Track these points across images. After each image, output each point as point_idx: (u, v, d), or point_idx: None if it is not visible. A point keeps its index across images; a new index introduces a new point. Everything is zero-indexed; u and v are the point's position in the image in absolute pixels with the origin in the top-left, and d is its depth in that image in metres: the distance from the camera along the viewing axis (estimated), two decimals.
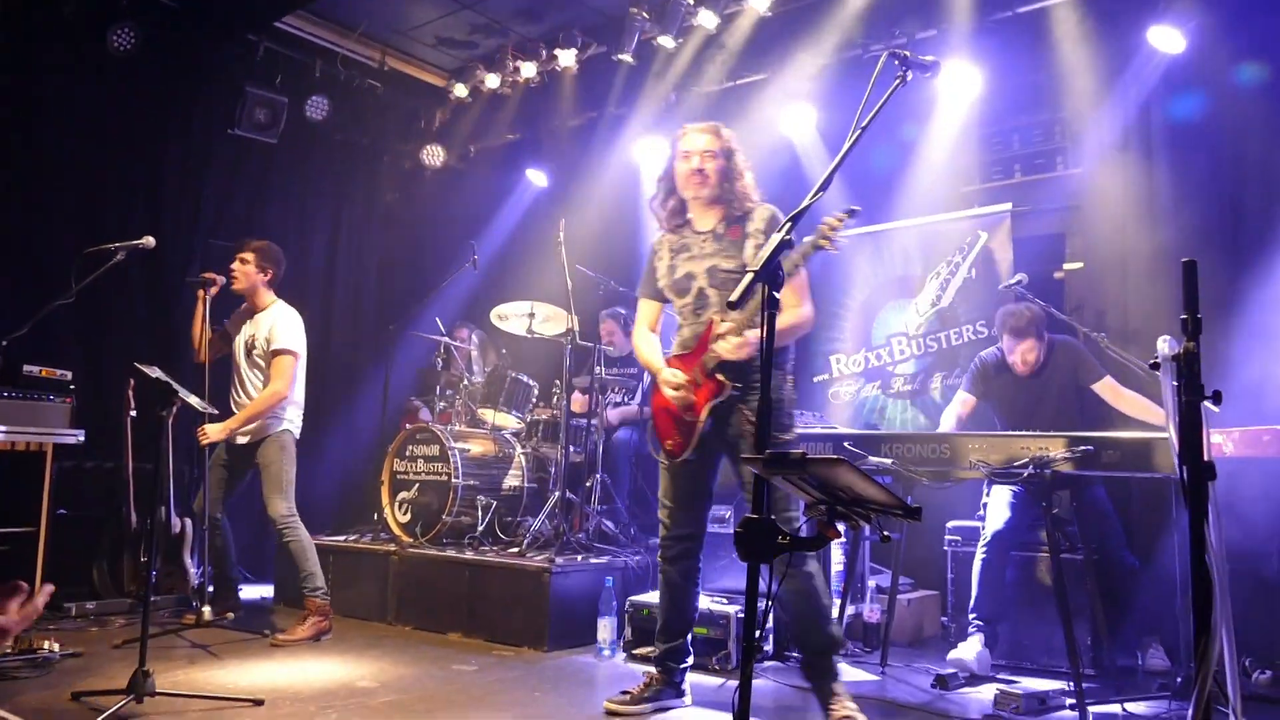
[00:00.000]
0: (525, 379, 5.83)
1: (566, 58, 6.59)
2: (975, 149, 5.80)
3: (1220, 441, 3.45)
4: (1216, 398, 1.83)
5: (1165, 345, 1.84)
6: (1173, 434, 1.79)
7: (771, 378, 2.03)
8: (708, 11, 5.85)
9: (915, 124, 5.80)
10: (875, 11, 5.46)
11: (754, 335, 3.17)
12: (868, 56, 5.60)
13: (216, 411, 4.67)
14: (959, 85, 5.48)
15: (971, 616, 4.22)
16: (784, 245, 2.07)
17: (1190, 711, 1.69)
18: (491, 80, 7.04)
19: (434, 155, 7.70)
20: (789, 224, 2.14)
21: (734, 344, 3.21)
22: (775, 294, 2.04)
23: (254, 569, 6.01)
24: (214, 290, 4.82)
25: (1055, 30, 5.13)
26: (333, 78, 7.04)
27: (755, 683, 3.84)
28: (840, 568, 4.64)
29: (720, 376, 3.28)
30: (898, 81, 2.52)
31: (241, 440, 4.77)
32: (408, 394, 6.81)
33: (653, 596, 4.51)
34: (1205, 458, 1.82)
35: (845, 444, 4.12)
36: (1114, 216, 5.18)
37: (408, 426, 5.81)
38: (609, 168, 7.02)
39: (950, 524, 4.70)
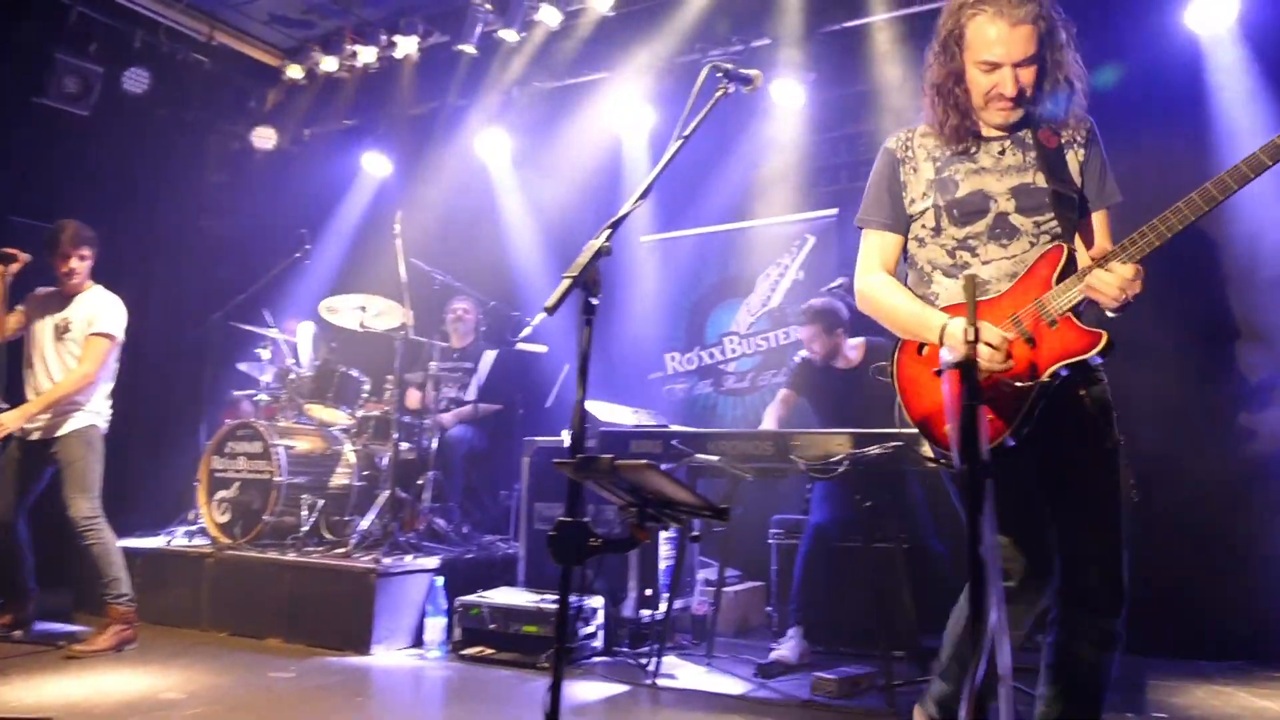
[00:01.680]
0: (356, 374, 5.66)
1: (407, 45, 6.44)
2: (805, 155, 6.03)
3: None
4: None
5: (947, 353, 1.97)
6: (953, 435, 1.92)
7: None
8: (550, 8, 5.83)
9: (750, 128, 5.98)
10: (713, 18, 5.60)
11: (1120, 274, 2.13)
12: (705, 61, 5.71)
13: (6, 405, 4.32)
14: (789, 93, 5.69)
15: (792, 607, 4.39)
16: (601, 253, 2.09)
17: (964, 700, 1.81)
18: (328, 63, 6.80)
19: (265, 137, 7.35)
20: (609, 231, 2.16)
21: (1120, 280, 2.12)
22: (592, 300, 2.06)
23: (55, 578, 5.59)
24: (15, 267, 4.47)
25: (878, 46, 5.40)
26: (155, 49, 6.62)
27: (583, 681, 3.93)
28: (668, 562, 4.74)
29: (1078, 324, 2.21)
30: (720, 93, 2.58)
31: (36, 436, 4.42)
32: (229, 388, 6.49)
33: (484, 596, 4.48)
34: (982, 458, 1.95)
35: (673, 441, 4.21)
36: None
37: (228, 422, 5.54)
38: (450, 159, 6.91)
39: (775, 517, 4.87)
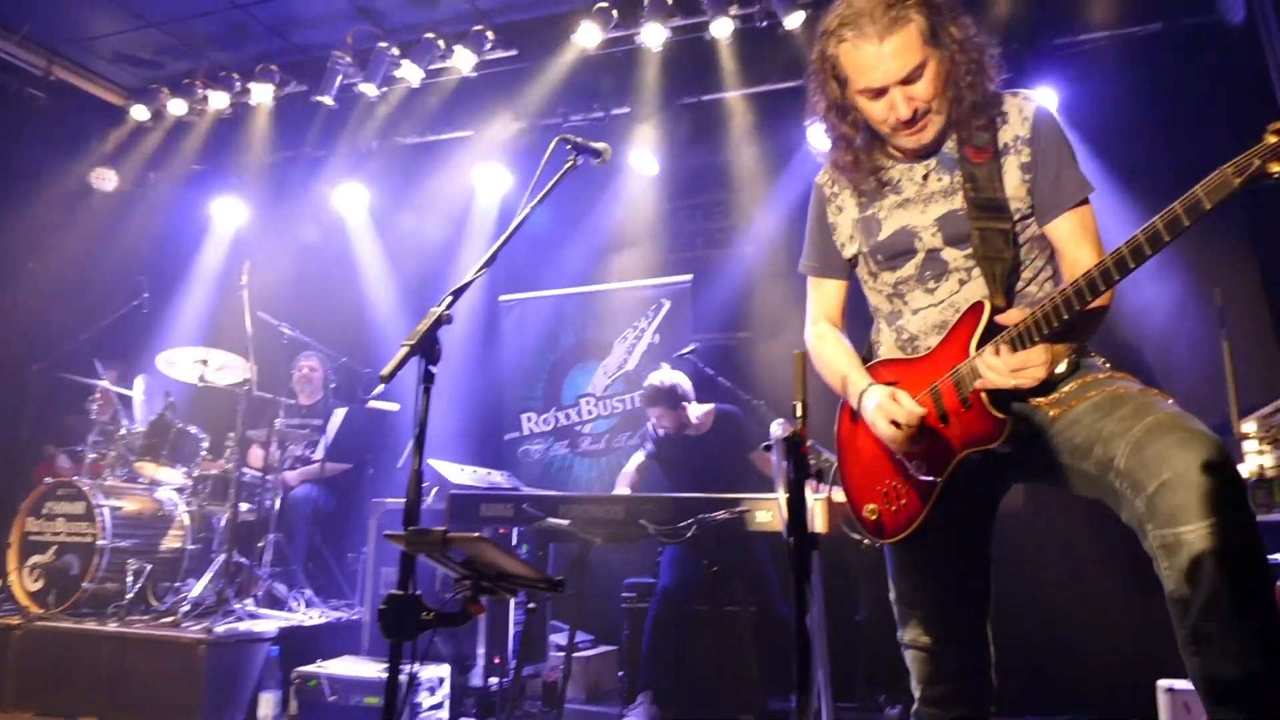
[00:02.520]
0: (194, 430, 5.38)
1: (262, 92, 6.28)
2: (663, 221, 6.20)
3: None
4: (820, 475, 2.05)
5: (778, 427, 2.04)
6: (782, 508, 1.98)
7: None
8: (412, 65, 5.83)
9: (609, 192, 6.11)
10: (574, 85, 5.71)
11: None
12: (566, 125, 5.84)
13: None
14: (646, 161, 5.85)
15: (641, 673, 4.38)
16: (441, 321, 2.07)
17: None
18: (177, 105, 6.55)
19: (105, 179, 6.99)
20: (450, 299, 2.15)
21: (1038, 360, 1.85)
22: (431, 369, 2.04)
23: None
24: None
25: (732, 120, 5.63)
26: None
27: None
28: (519, 628, 4.66)
29: (993, 409, 1.93)
30: (569, 165, 2.63)
31: None
32: (51, 442, 6.07)
33: (323, 666, 4.29)
34: (809, 530, 2.02)
35: (524, 505, 4.18)
36: (780, 293, 5.71)
37: (47, 480, 5.15)
38: (305, 210, 6.76)
39: (628, 580, 4.88)
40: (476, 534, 1.81)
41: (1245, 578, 1.65)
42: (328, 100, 6.02)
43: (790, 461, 2.01)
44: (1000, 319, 1.92)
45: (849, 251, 2.26)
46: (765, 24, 5.28)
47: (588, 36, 5.39)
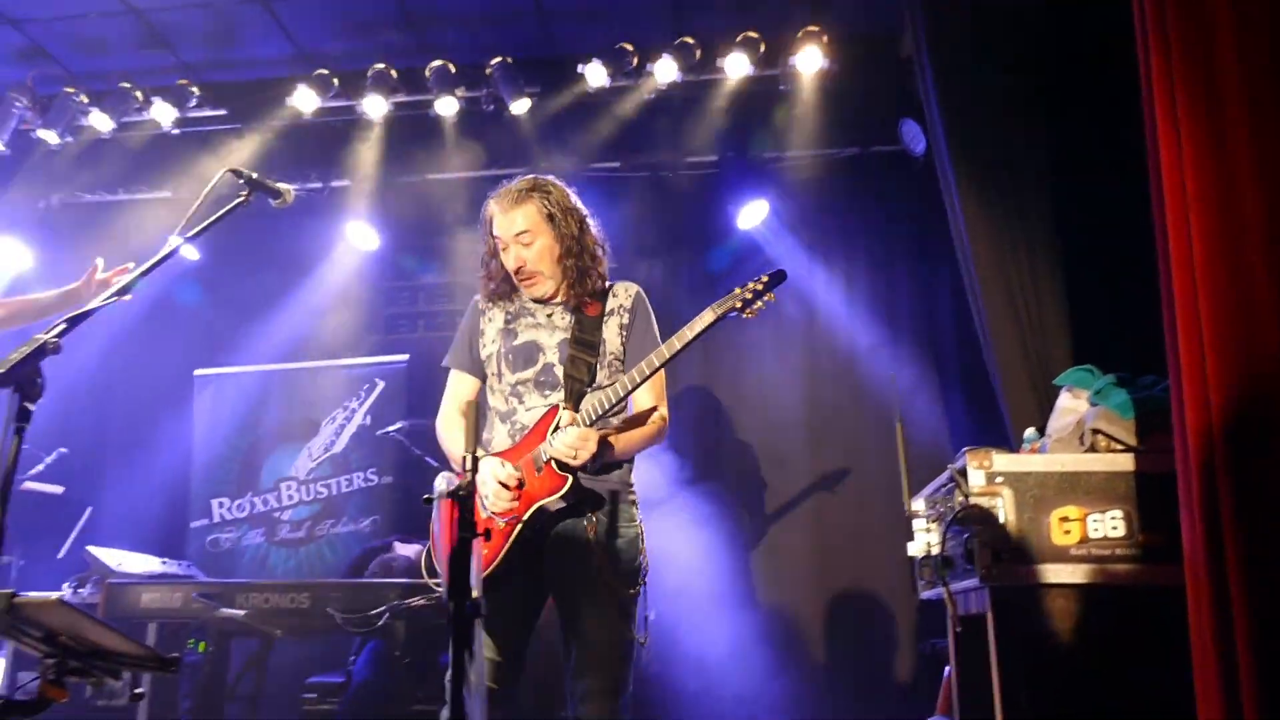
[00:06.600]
0: None
1: None
2: (380, 300, 5.96)
3: None
4: (488, 534, 1.91)
5: (442, 482, 1.90)
6: (442, 570, 1.81)
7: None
8: (102, 114, 5.31)
9: (324, 267, 5.80)
10: (285, 152, 5.40)
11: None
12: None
13: None
14: (364, 236, 5.64)
15: None
16: (45, 349, 1.76)
17: None
18: None
19: None
20: (63, 326, 1.83)
21: (565, 442, 2.42)
22: (27, 405, 1.72)
23: None
24: None
25: (452, 202, 5.54)
26: None
27: None
28: None
29: (554, 470, 2.47)
30: (238, 201, 2.42)
31: None
32: None
33: None
34: (474, 594, 1.87)
35: (194, 595, 3.72)
36: None
37: None
38: None
39: (311, 679, 4.41)
40: (56, 596, 1.51)
41: None
42: None
43: (458, 516, 1.86)
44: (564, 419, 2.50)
45: (487, 351, 2.74)
46: (492, 108, 5.30)
47: (305, 101, 5.17)
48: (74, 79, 5.39)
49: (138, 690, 1.86)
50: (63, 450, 5.03)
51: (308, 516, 5.47)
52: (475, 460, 1.95)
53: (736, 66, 4.99)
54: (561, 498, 2.45)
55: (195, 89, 5.29)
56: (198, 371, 5.81)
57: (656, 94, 5.14)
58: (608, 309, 2.70)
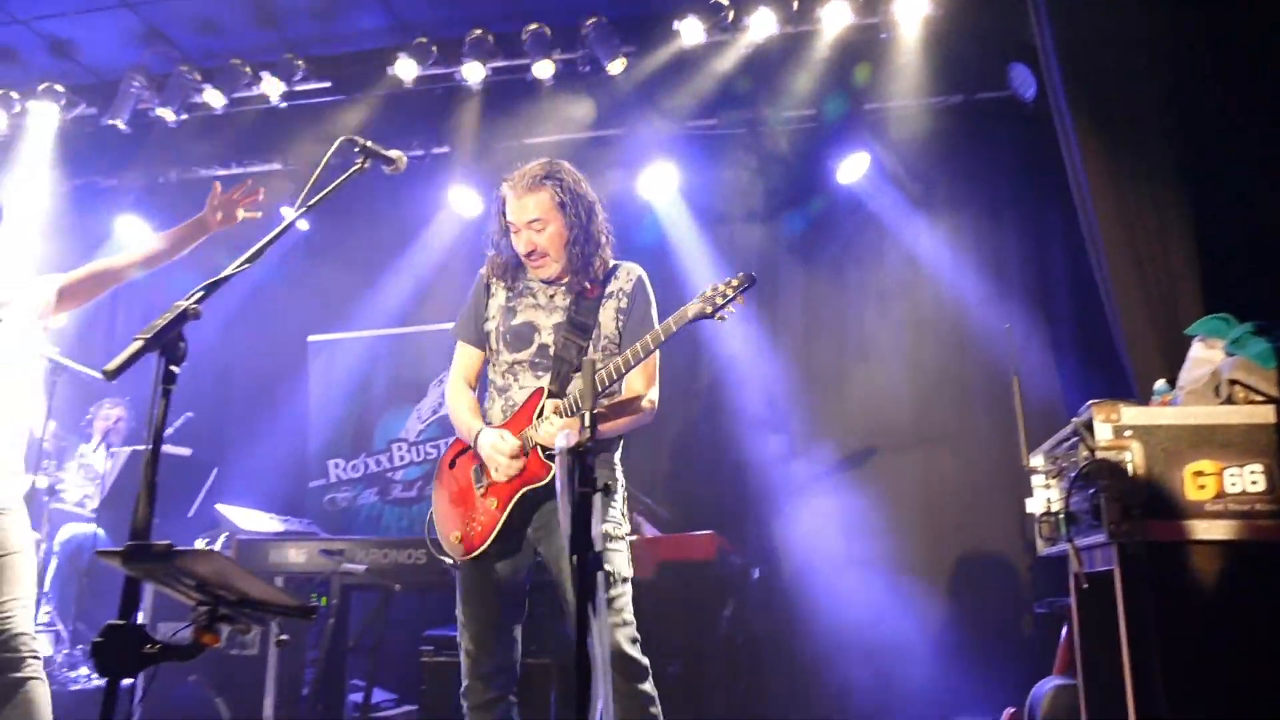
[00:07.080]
0: None
1: (44, 112, 5.77)
2: (483, 262, 6.01)
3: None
4: (606, 490, 1.93)
5: (563, 438, 1.92)
6: (565, 524, 1.85)
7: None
8: (215, 91, 5.50)
9: (430, 229, 5.91)
10: (387, 121, 5.49)
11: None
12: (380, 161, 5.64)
13: None
14: (470, 199, 5.69)
15: None
16: (187, 315, 1.84)
17: None
18: None
19: None
20: (201, 293, 1.92)
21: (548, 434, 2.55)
22: (173, 368, 1.80)
23: None
24: None
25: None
26: None
27: None
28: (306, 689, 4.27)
29: (540, 457, 2.59)
30: (355, 168, 2.48)
31: None
32: None
33: None
34: (596, 548, 1.90)
35: (319, 550, 3.88)
36: None
37: None
38: (89, 244, 6.19)
39: (428, 633, 4.57)
40: (210, 548, 1.59)
41: None
42: (120, 124, 5.60)
43: (575, 472, 1.89)
44: (553, 406, 2.61)
45: (489, 327, 2.82)
46: (588, 69, 5.28)
47: (405, 70, 5.25)
48: (188, 58, 5.58)
49: (281, 637, 1.97)
50: (189, 414, 5.30)
51: (419, 476, 5.63)
52: (594, 417, 1.97)
53: (836, 16, 4.87)
54: (546, 485, 2.56)
55: (300, 63, 5.43)
56: (311, 338, 6.03)
57: (753, 48, 5.05)
58: (607, 292, 2.77)
